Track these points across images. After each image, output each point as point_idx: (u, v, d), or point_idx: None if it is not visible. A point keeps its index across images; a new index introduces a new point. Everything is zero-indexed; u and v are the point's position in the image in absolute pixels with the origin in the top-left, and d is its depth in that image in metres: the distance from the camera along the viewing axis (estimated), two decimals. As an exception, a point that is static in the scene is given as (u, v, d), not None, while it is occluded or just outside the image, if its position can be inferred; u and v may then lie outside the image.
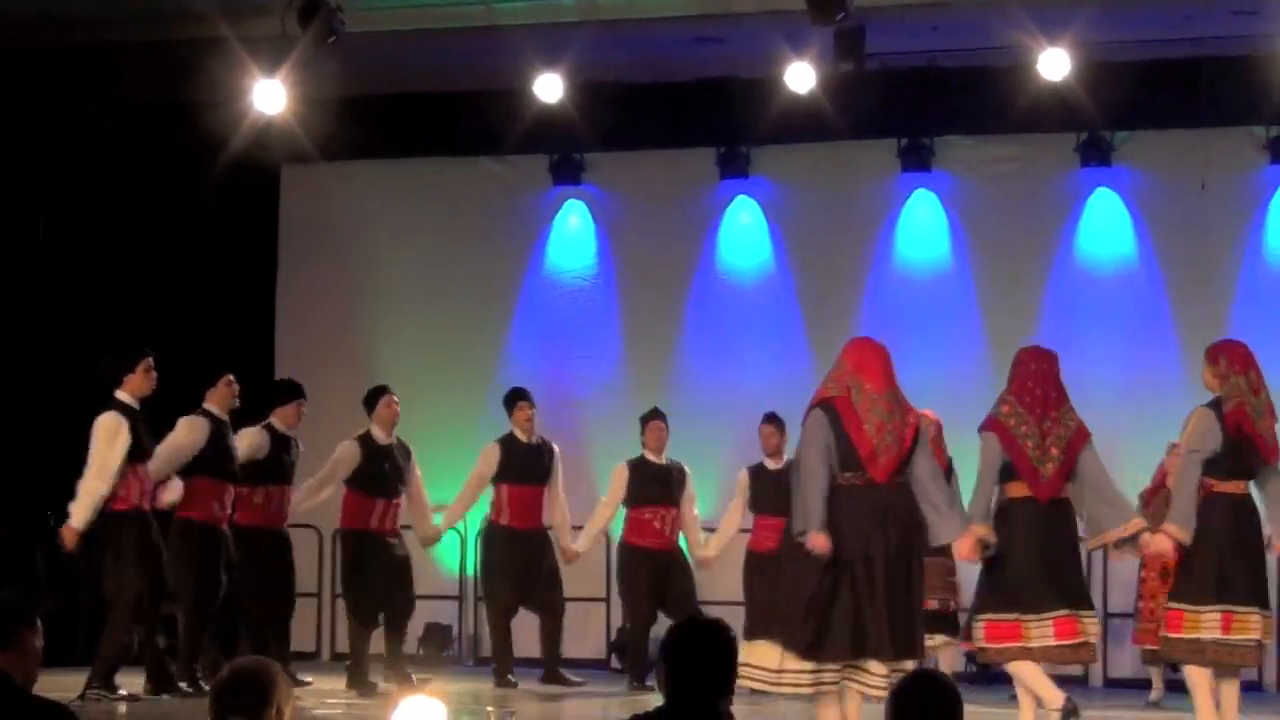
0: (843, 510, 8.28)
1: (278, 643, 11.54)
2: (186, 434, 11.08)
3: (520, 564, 12.28)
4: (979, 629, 8.80)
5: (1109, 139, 14.33)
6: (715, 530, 13.49)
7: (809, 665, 8.25)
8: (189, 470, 11.13)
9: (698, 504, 12.77)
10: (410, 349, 15.28)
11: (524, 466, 12.33)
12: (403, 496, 12.03)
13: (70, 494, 10.74)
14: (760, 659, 8.37)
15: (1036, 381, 8.81)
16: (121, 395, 10.69)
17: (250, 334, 15.33)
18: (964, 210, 14.72)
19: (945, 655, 11.66)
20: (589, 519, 12.81)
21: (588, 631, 14.44)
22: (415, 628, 14.54)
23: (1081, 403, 9.03)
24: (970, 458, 9.10)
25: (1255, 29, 13.06)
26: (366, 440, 11.91)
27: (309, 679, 12.01)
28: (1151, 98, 13.81)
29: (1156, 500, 11.82)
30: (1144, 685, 12.41)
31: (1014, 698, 12.40)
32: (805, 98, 13.64)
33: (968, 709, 4.60)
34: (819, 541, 8.20)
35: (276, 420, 11.70)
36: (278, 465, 11.59)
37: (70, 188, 14.57)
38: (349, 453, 11.87)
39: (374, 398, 12.06)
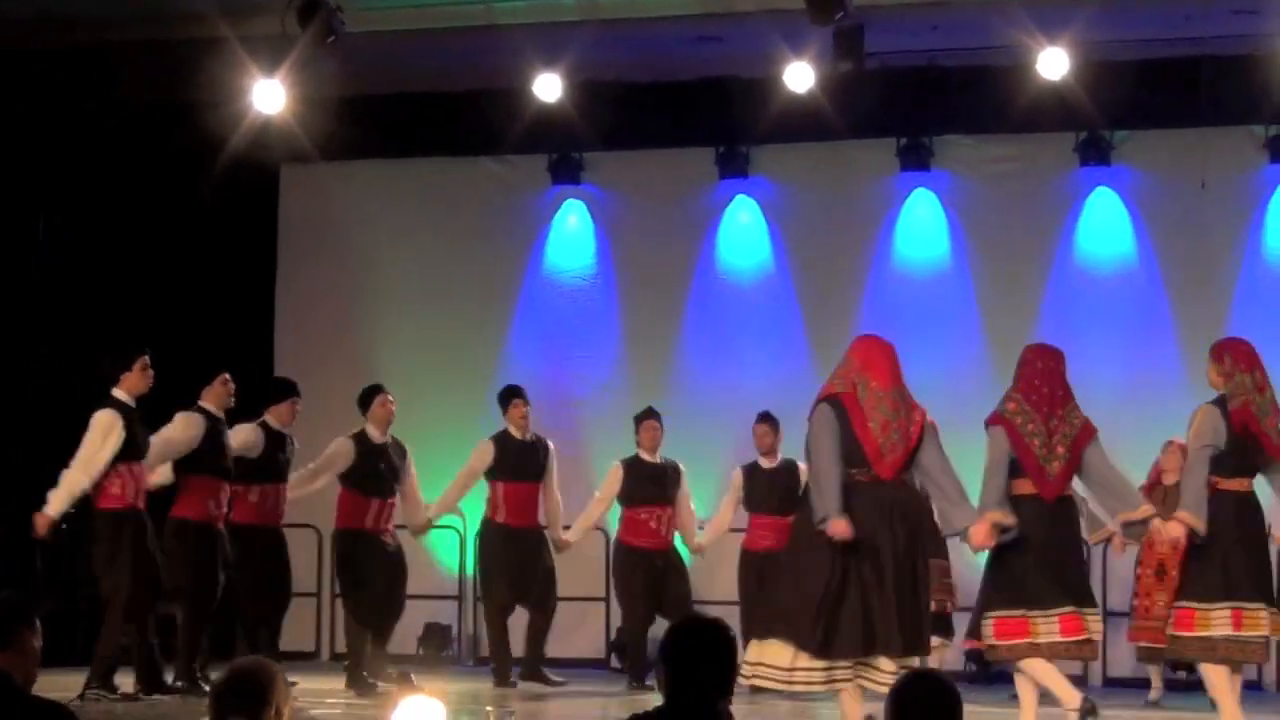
0: (849, 506, 8.29)
1: (267, 641, 11.54)
2: (182, 430, 11.08)
3: (516, 562, 12.27)
4: (988, 627, 8.79)
5: (1108, 138, 14.33)
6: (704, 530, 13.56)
7: (820, 663, 8.25)
8: (184, 469, 11.14)
9: (696, 504, 12.78)
10: (410, 349, 15.28)
11: (519, 463, 12.33)
12: (398, 495, 12.03)
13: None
14: (772, 658, 8.37)
15: (1044, 380, 8.81)
16: (118, 393, 10.69)
17: (250, 334, 15.33)
18: (963, 210, 14.72)
19: (939, 656, 11.66)
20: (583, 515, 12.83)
21: (587, 631, 14.44)
22: (415, 627, 14.57)
23: (1081, 402, 9.03)
24: (969, 457, 9.09)
25: (1255, 28, 13.06)
26: (362, 439, 11.92)
27: (295, 679, 11.99)
28: (1151, 97, 13.81)
29: (1153, 497, 11.83)
30: (1143, 684, 12.41)
31: (1014, 697, 12.42)
32: (805, 97, 13.64)
33: (967, 709, 4.60)
34: (840, 527, 8.19)
35: (271, 418, 11.70)
36: (273, 463, 11.59)
37: (70, 188, 14.56)
38: (344, 449, 11.87)
39: (369, 397, 12.07)
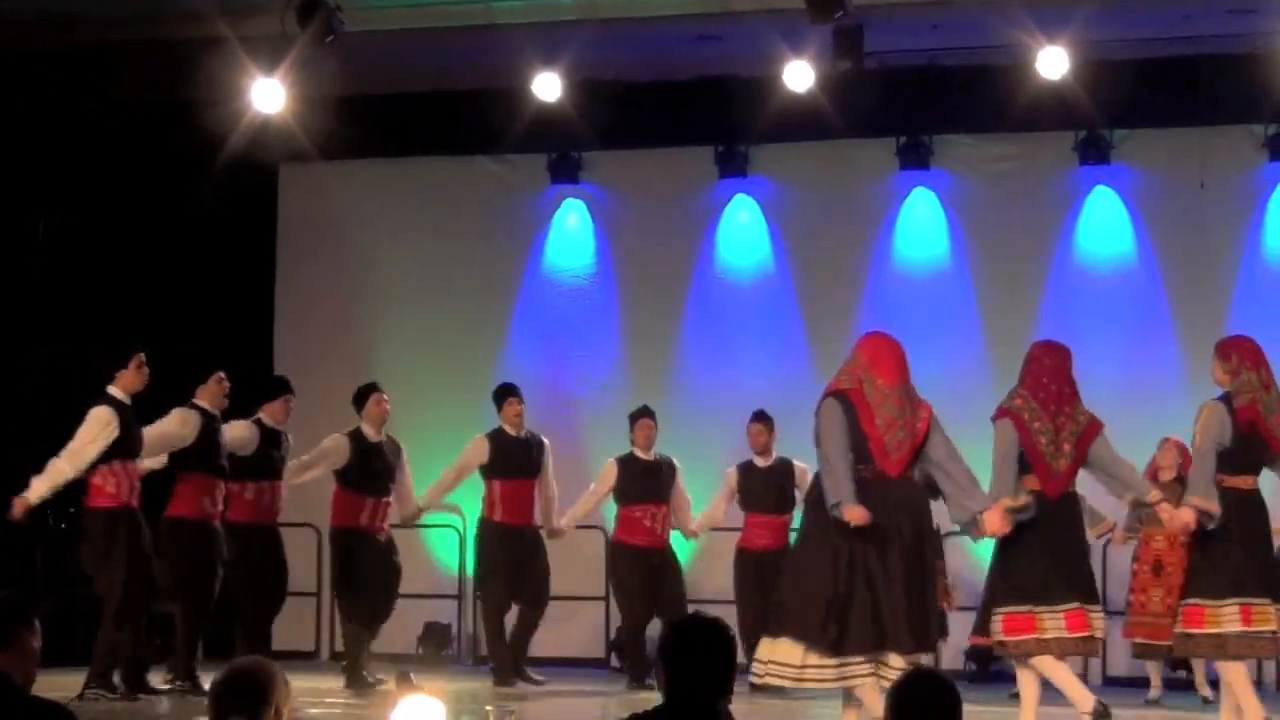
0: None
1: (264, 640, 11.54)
2: (178, 425, 11.07)
3: (514, 561, 12.27)
4: (996, 622, 8.77)
5: (1108, 137, 14.33)
6: (704, 533, 13.58)
7: (832, 661, 8.23)
8: (180, 467, 11.13)
9: (695, 504, 12.78)
10: (409, 348, 15.28)
11: (515, 461, 12.33)
12: (392, 494, 12.05)
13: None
14: (783, 656, 8.37)
15: (1051, 377, 8.81)
16: (114, 390, 10.69)
17: (249, 333, 15.33)
18: (963, 209, 14.72)
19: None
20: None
21: (587, 631, 14.44)
22: (415, 627, 14.57)
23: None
24: (968, 455, 9.07)
25: (1254, 27, 13.07)
26: (357, 437, 11.92)
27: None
28: (1150, 96, 13.81)
29: (1149, 495, 11.83)
30: (1143, 684, 12.41)
31: (1014, 696, 12.42)
32: (804, 96, 13.64)
33: (967, 709, 4.60)
34: (856, 513, 8.18)
35: (265, 415, 11.71)
36: (268, 461, 11.59)
37: (70, 187, 14.57)
38: (340, 446, 11.88)
39: (363, 395, 12.07)
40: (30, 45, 13.75)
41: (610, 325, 15.22)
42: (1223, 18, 13.14)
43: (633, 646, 12.57)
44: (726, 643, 4.67)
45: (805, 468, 12.50)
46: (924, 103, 14.36)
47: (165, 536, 11.07)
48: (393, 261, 15.52)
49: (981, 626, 9.06)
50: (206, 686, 9.94)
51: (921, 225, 14.78)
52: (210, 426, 11.16)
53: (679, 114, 14.64)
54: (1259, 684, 12.90)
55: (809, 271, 14.87)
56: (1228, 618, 8.70)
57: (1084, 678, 12.64)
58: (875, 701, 8.29)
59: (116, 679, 10.72)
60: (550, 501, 12.52)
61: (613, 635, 14.13)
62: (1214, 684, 11.98)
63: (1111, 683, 13.33)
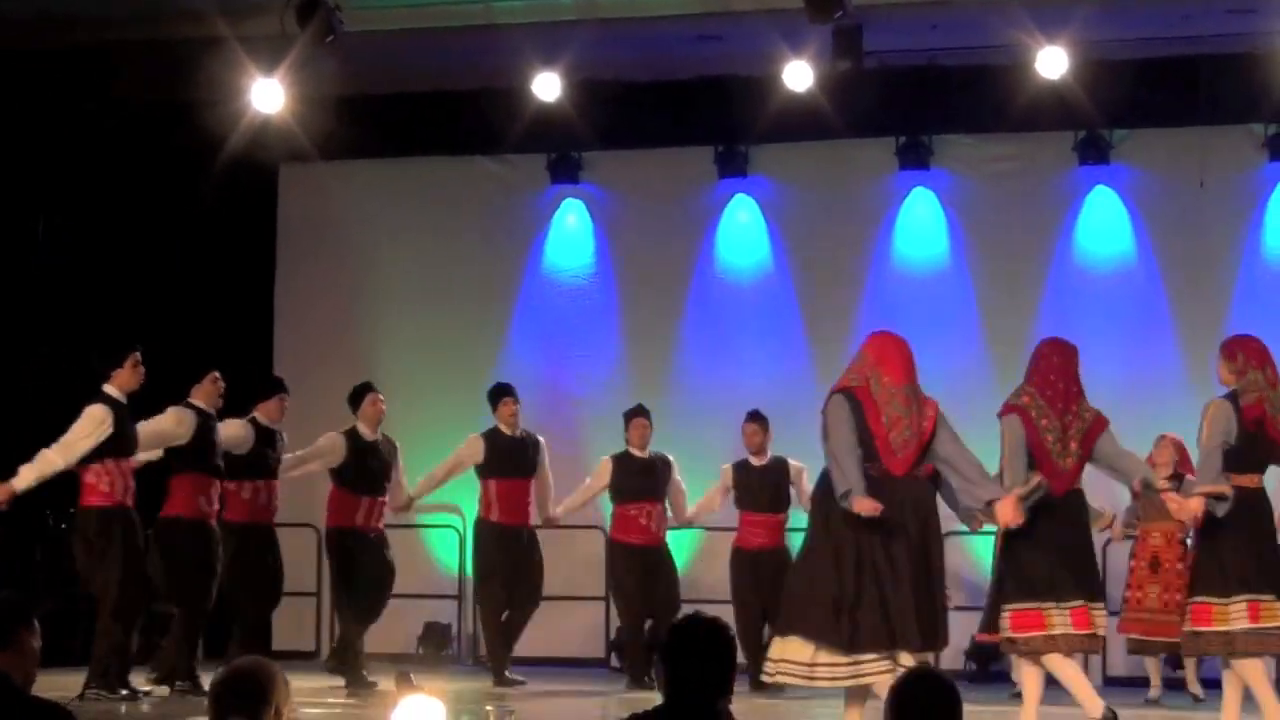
0: None
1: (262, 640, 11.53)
2: (173, 423, 11.05)
3: (511, 561, 12.27)
4: (1005, 619, 8.77)
5: (1107, 137, 14.33)
6: (701, 528, 13.61)
7: (845, 658, 8.22)
8: (175, 466, 11.12)
9: (692, 502, 12.79)
10: (409, 348, 15.29)
11: (510, 460, 12.34)
12: (387, 494, 12.06)
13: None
14: (792, 654, 8.35)
15: (1059, 375, 8.80)
16: (110, 389, 10.68)
17: (249, 333, 15.33)
18: (962, 208, 14.72)
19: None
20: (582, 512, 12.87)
21: (586, 630, 14.44)
22: (415, 627, 14.58)
23: (1080, 401, 9.03)
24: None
25: (1253, 27, 13.07)
26: (353, 436, 11.92)
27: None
28: (1150, 96, 13.81)
29: (1143, 491, 11.82)
30: (1143, 683, 12.40)
31: (1015, 696, 12.43)
32: (804, 96, 13.64)
33: (967, 709, 4.60)
34: (866, 504, 8.18)
35: (260, 414, 11.71)
36: (263, 460, 11.59)
37: (70, 187, 14.58)
38: (336, 444, 11.88)
39: (359, 395, 12.07)
40: (30, 45, 13.75)
41: (610, 325, 15.22)
42: (1222, 17, 13.14)
43: (632, 646, 12.57)
44: (726, 643, 4.68)
45: (801, 466, 12.55)
46: (923, 103, 14.36)
47: (161, 536, 11.07)
48: (393, 261, 15.52)
49: (989, 623, 9.05)
50: (205, 686, 9.99)
51: (921, 225, 14.79)
52: (205, 425, 11.15)
53: (679, 114, 14.64)
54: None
55: (809, 271, 14.87)
56: (1235, 615, 8.69)
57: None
58: None
59: (147, 682, 10.73)
60: (547, 491, 12.54)
61: (613, 635, 14.14)
62: (1204, 682, 12.00)
63: (1111, 682, 13.32)
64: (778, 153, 14.91)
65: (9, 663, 4.84)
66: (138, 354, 10.76)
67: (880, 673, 8.24)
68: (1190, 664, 12.14)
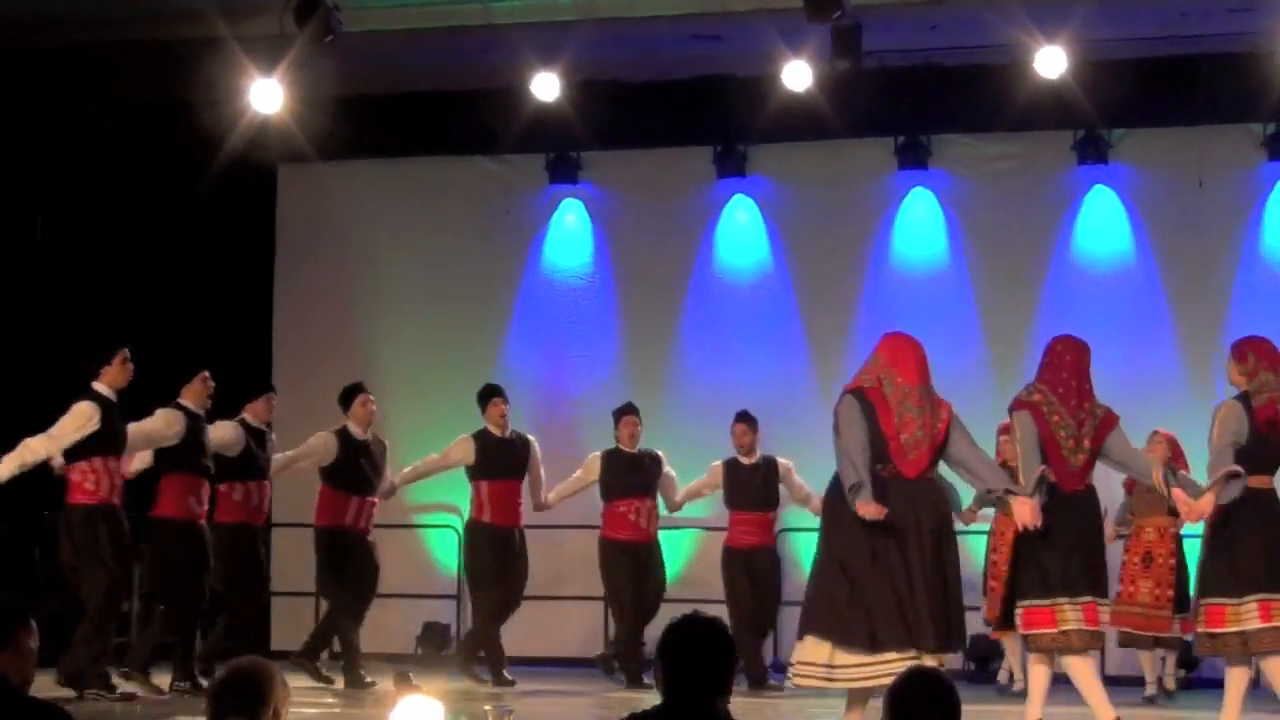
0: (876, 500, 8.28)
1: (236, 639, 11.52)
2: (162, 425, 11.04)
3: (503, 562, 12.27)
4: (1019, 616, 8.77)
5: (1106, 137, 14.33)
6: (697, 528, 13.61)
7: (864, 658, 8.20)
8: (164, 467, 11.11)
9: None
10: (408, 348, 15.29)
11: (500, 461, 12.34)
12: (378, 494, 12.06)
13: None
14: (810, 655, 8.35)
15: (1071, 373, 8.79)
16: (99, 387, 10.68)
17: (248, 333, 15.33)
18: (961, 208, 14.72)
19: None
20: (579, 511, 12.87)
21: (585, 631, 14.43)
22: (414, 627, 14.58)
23: (1079, 399, 9.03)
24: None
25: (1253, 26, 13.07)
26: (344, 436, 11.94)
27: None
28: (1148, 95, 13.80)
29: (1137, 489, 11.84)
30: (1138, 682, 12.35)
31: (1000, 693, 12.45)
32: (802, 96, 13.64)
33: (967, 708, 4.60)
34: (870, 509, 8.18)
35: (249, 415, 11.71)
36: (253, 461, 11.59)
37: (69, 187, 14.58)
38: (327, 444, 11.90)
39: (349, 396, 12.09)
40: (30, 45, 13.75)
41: (609, 325, 15.22)
42: (1221, 17, 13.14)
43: (630, 646, 12.58)
44: (725, 642, 4.68)
45: (789, 464, 12.58)
46: (922, 102, 14.35)
47: (152, 536, 11.06)
48: (391, 261, 15.52)
49: (1005, 619, 9.03)
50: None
51: (920, 225, 14.78)
52: (195, 426, 11.14)
53: (677, 114, 14.64)
54: (1257, 683, 12.92)
55: (807, 271, 14.87)
56: (1247, 615, 8.68)
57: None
58: None
59: (116, 677, 10.72)
60: (539, 486, 12.56)
61: (612, 636, 14.13)
62: (1204, 682, 12.02)
63: (1109, 682, 13.30)
64: (776, 152, 14.91)
65: (7, 663, 4.84)
66: (126, 351, 10.76)
67: (898, 673, 8.22)
68: (1168, 658, 12.20)
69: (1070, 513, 8.67)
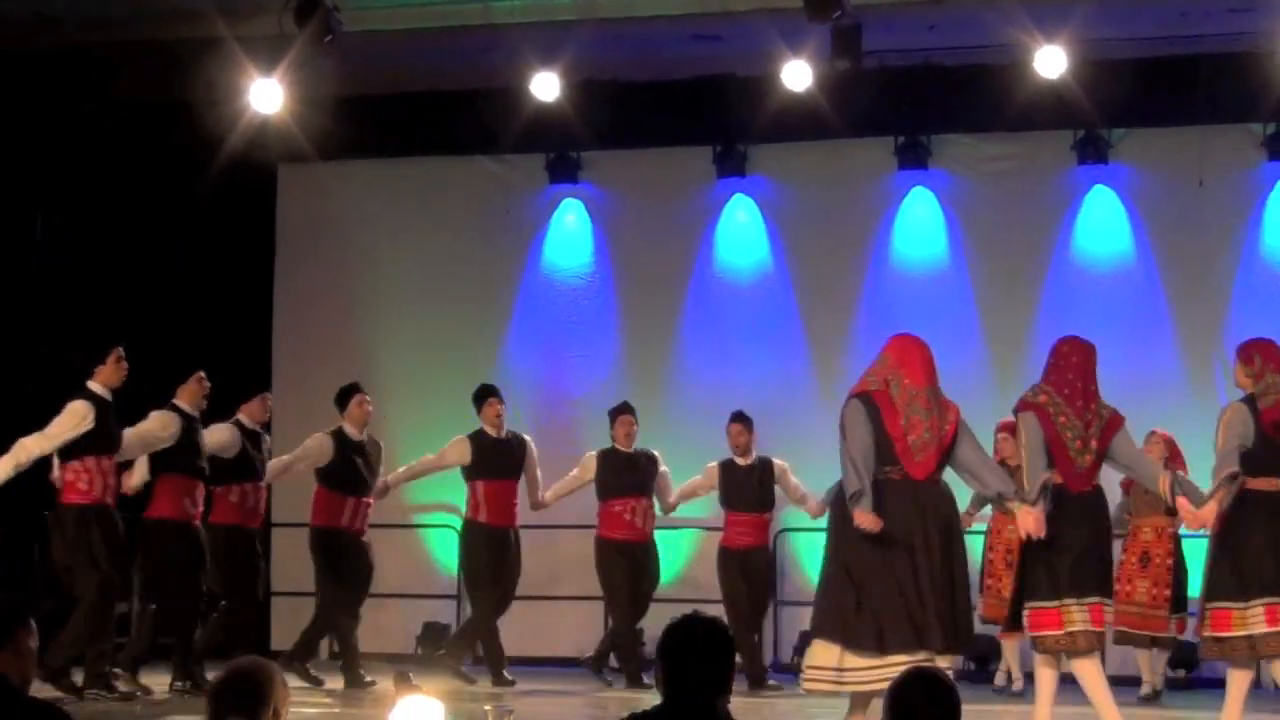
0: (883, 503, 8.27)
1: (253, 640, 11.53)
2: (157, 427, 11.02)
3: (499, 561, 12.27)
4: (1026, 617, 8.77)
5: (1106, 136, 14.33)
6: (695, 528, 13.60)
7: (873, 660, 8.19)
8: (159, 468, 11.10)
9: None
10: (408, 348, 15.29)
11: (496, 461, 12.33)
12: (373, 495, 12.07)
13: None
14: (820, 660, 8.34)
15: (1077, 374, 8.78)
16: (93, 386, 10.68)
17: (248, 333, 15.33)
18: (961, 208, 14.72)
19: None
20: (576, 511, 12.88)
21: (584, 630, 14.43)
22: (414, 627, 14.58)
23: (1079, 399, 9.02)
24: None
25: (1252, 26, 13.07)
26: (340, 436, 11.93)
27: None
28: (1148, 95, 13.80)
29: (1135, 489, 11.83)
30: (1135, 681, 12.35)
31: (998, 692, 12.45)
32: (802, 96, 13.64)
33: (966, 708, 4.60)
34: (867, 519, 8.18)
35: (244, 416, 11.71)
36: (249, 462, 11.58)
37: (69, 187, 14.58)
38: (323, 445, 11.90)
39: (346, 396, 12.08)
40: (29, 45, 13.74)
41: (609, 325, 15.22)
42: (1221, 17, 13.13)
43: (627, 645, 12.59)
44: (725, 642, 4.68)
45: (784, 465, 12.58)
46: (922, 102, 14.35)
47: (147, 537, 11.05)
48: (391, 261, 15.52)
49: (1013, 620, 9.02)
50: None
51: (920, 225, 14.78)
52: (189, 428, 11.13)
53: (677, 114, 14.64)
54: (1258, 683, 12.92)
55: (807, 271, 14.87)
56: (1254, 619, 8.66)
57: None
58: None
59: (124, 674, 10.72)
60: (536, 485, 12.56)
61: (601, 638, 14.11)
62: (1204, 681, 12.02)
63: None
64: (776, 152, 14.91)
65: (6, 663, 4.84)
66: (120, 350, 10.76)
67: None
68: (1163, 659, 12.21)
69: (1078, 514, 8.65)
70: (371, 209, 15.55)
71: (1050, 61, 13.17)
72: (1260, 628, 8.65)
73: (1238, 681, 8.86)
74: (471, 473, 12.34)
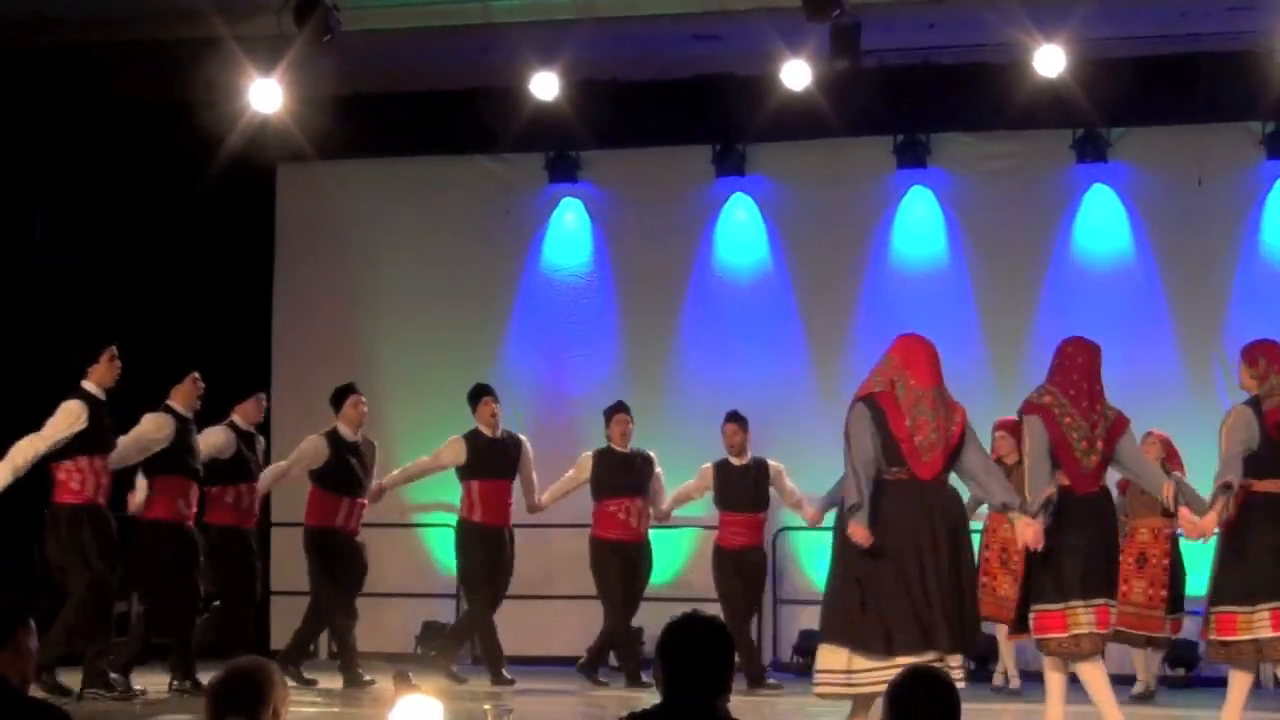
0: (890, 504, 8.27)
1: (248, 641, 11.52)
2: (153, 429, 11.02)
3: (494, 560, 12.27)
4: (1032, 620, 8.76)
5: (1105, 135, 14.33)
6: (693, 528, 13.60)
7: (881, 662, 8.18)
8: (153, 469, 11.09)
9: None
10: (407, 347, 15.28)
11: (491, 461, 12.33)
12: (367, 496, 12.07)
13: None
14: (829, 663, 8.33)
15: (1083, 375, 8.76)
16: (87, 385, 10.68)
17: (247, 333, 15.33)
18: (960, 207, 14.72)
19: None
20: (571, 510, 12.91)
21: (582, 630, 14.41)
22: (414, 626, 14.58)
23: (1078, 399, 9.02)
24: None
25: (1252, 24, 13.07)
26: (334, 437, 11.94)
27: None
28: (1147, 94, 13.80)
29: (1131, 489, 11.83)
30: (1129, 679, 12.35)
31: (996, 690, 12.45)
32: (801, 95, 13.64)
33: (966, 708, 4.60)
34: (860, 532, 8.19)
35: (238, 417, 11.71)
36: (244, 463, 11.59)
37: (68, 187, 14.57)
38: (317, 447, 11.90)
39: (341, 397, 12.08)
40: (29, 45, 13.74)
41: (608, 324, 15.21)
42: (1220, 15, 13.13)
43: (625, 643, 12.59)
44: (724, 641, 4.68)
45: (779, 467, 12.57)
46: (921, 101, 14.35)
47: (141, 538, 11.04)
48: (391, 261, 15.52)
49: (1020, 622, 9.01)
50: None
51: (919, 224, 14.78)
52: (183, 429, 11.12)
53: (676, 113, 14.63)
54: (1258, 683, 12.92)
55: (807, 270, 14.87)
56: (1260, 623, 8.64)
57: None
58: None
59: (115, 677, 10.71)
60: (532, 487, 12.56)
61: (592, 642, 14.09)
62: (1203, 680, 12.02)
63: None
64: (776, 151, 14.91)
65: (6, 663, 4.84)
66: (114, 349, 10.76)
67: None
68: (1153, 658, 12.21)
69: (1085, 516, 8.62)
70: (371, 209, 15.55)
71: (1050, 60, 13.17)
72: (1266, 632, 8.63)
73: (1239, 682, 8.84)
74: (466, 472, 12.34)
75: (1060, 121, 14.05)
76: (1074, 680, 8.82)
